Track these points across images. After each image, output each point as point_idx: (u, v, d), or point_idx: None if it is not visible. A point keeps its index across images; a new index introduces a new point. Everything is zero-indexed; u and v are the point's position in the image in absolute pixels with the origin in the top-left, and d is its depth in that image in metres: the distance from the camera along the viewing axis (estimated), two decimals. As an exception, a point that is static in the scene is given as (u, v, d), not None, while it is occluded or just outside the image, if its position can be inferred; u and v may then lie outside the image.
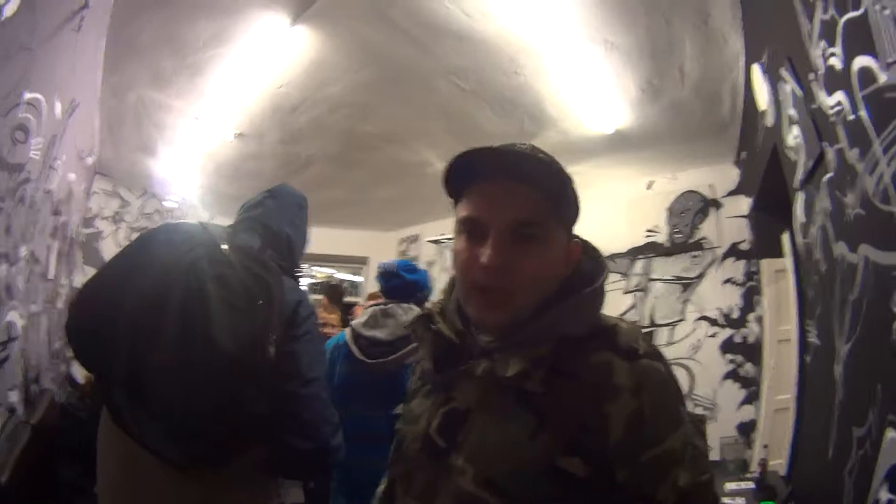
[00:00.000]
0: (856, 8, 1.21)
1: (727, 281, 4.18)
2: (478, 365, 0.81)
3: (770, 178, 2.59)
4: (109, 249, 5.20)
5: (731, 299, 4.13)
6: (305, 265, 6.91)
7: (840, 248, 1.53)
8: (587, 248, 0.90)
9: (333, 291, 4.93)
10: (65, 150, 2.63)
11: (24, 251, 2.05)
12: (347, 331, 2.18)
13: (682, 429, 0.73)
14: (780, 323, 3.07)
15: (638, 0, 2.84)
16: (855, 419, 1.27)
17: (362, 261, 7.67)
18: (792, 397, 2.50)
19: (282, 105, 4.16)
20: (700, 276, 4.35)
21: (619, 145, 4.18)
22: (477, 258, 0.81)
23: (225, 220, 1.62)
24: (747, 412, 3.77)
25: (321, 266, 7.70)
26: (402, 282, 2.24)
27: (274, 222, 1.57)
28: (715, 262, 4.29)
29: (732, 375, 3.99)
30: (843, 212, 1.47)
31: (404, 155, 5.00)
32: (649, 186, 4.78)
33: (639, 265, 4.70)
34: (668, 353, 0.84)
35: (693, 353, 4.18)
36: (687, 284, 4.41)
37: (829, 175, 1.61)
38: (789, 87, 1.94)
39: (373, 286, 6.44)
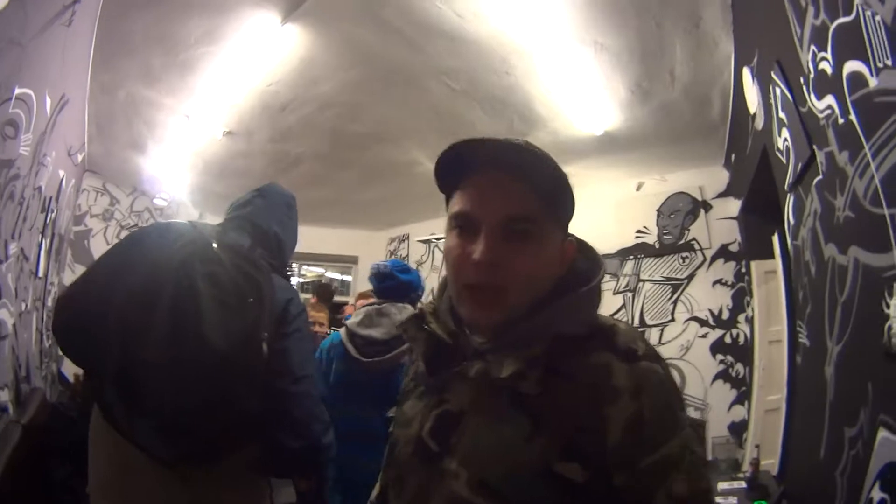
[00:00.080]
0: (847, 13, 1.22)
1: (717, 282, 4.21)
2: (471, 366, 0.79)
3: (760, 180, 2.61)
4: (99, 247, 5.16)
5: (722, 300, 4.15)
6: (295, 264, 6.91)
7: (830, 250, 1.54)
8: (582, 247, 0.88)
9: (323, 291, 4.95)
10: (54, 147, 2.60)
11: (13, 248, 2.02)
12: (342, 330, 2.20)
13: (680, 434, 0.71)
14: (770, 324, 3.10)
15: (629, 2, 2.85)
16: (846, 419, 1.28)
17: (352, 260, 7.65)
18: (783, 398, 2.52)
19: (271, 103, 4.13)
20: (690, 278, 4.38)
21: (609, 147, 4.20)
22: (469, 255, 0.79)
23: (214, 219, 1.63)
24: (738, 412, 3.79)
25: (311, 265, 7.68)
26: (396, 282, 2.26)
27: (263, 221, 1.57)
28: (705, 263, 4.32)
29: (723, 376, 4.01)
30: (832, 214, 1.49)
31: (394, 154, 4.99)
32: (639, 188, 4.80)
33: (628, 266, 4.72)
34: (659, 353, 0.83)
35: (683, 353, 4.20)
36: (677, 285, 4.44)
37: (818, 178, 1.62)
38: (779, 90, 1.96)
39: (363, 285, 6.46)
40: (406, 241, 7.19)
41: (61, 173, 3.01)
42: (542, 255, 0.80)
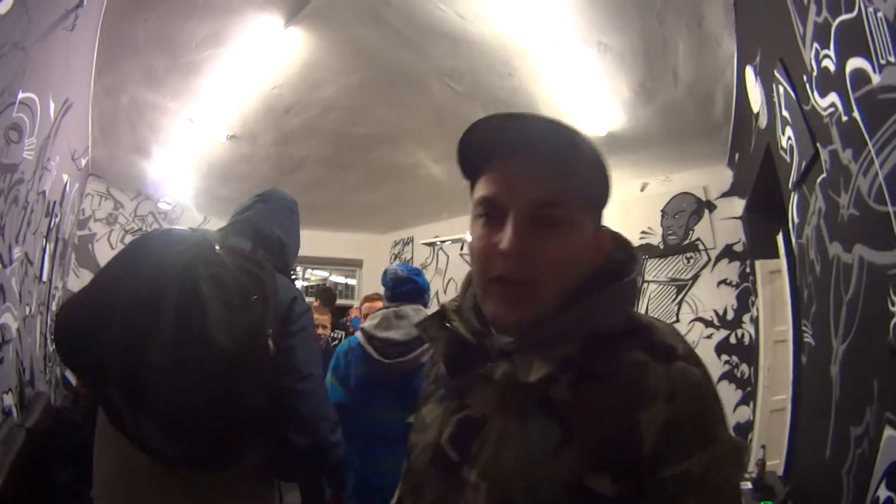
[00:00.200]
0: (849, 10, 1.21)
1: (722, 282, 4.19)
2: (496, 368, 0.72)
3: (763, 179, 2.61)
4: (103, 251, 5.20)
5: (726, 300, 4.14)
6: (299, 267, 6.92)
7: (835, 249, 1.54)
8: (617, 238, 0.81)
9: (326, 294, 4.98)
10: (58, 151, 2.61)
11: (17, 252, 2.03)
12: (359, 334, 2.20)
13: (711, 450, 0.63)
14: (775, 324, 3.09)
15: (632, 2, 2.85)
16: (852, 418, 1.27)
17: (356, 263, 7.66)
18: (788, 398, 2.51)
19: (275, 107, 4.16)
20: (694, 278, 4.36)
21: (613, 147, 4.19)
22: (495, 245, 0.72)
23: (218, 222, 1.65)
24: (743, 413, 3.77)
25: (315, 268, 7.69)
26: (413, 286, 2.30)
27: (265, 225, 1.57)
28: (709, 263, 4.31)
29: (728, 376, 3.99)
30: (837, 212, 1.48)
31: (398, 157, 5.01)
32: (643, 188, 4.79)
33: (633, 267, 4.69)
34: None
35: (688, 354, 4.17)
36: (681, 286, 4.42)
37: (822, 176, 1.62)
38: (782, 88, 1.95)
39: (367, 289, 6.46)
40: (410, 245, 7.19)
41: (65, 177, 3.03)
42: (574, 245, 0.73)
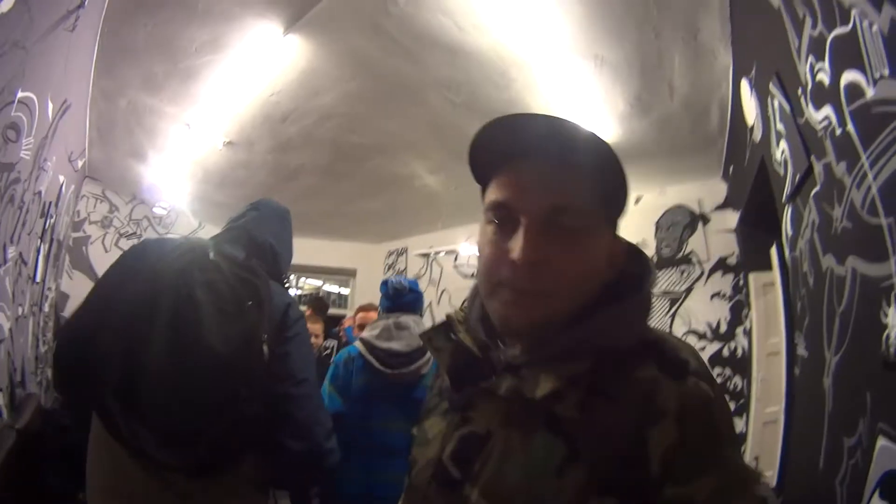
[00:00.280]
0: (844, 24, 1.23)
1: (715, 295, 4.21)
2: (501, 382, 0.69)
3: (758, 192, 2.62)
4: (97, 254, 5.18)
5: (720, 313, 4.15)
6: (293, 276, 6.91)
7: (828, 261, 1.54)
8: (630, 249, 0.77)
9: (318, 303, 4.96)
10: (55, 152, 2.61)
11: (11, 252, 2.02)
12: (359, 344, 2.20)
13: (718, 474, 0.59)
14: (768, 336, 3.10)
15: (628, 15, 2.87)
16: (845, 429, 1.28)
17: (350, 273, 7.65)
18: (781, 409, 2.51)
19: (272, 114, 4.16)
20: (688, 291, 4.38)
21: (608, 159, 4.21)
22: (506, 253, 0.69)
23: (213, 228, 1.67)
24: (736, 425, 3.76)
25: (309, 277, 7.67)
26: (414, 296, 2.31)
27: (258, 234, 1.58)
28: (703, 276, 4.32)
29: (721, 389, 3.98)
30: (830, 225, 1.49)
31: (393, 167, 5.01)
32: (637, 201, 4.81)
33: (627, 279, 4.70)
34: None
35: (681, 366, 4.17)
36: (675, 299, 4.44)
37: (816, 189, 1.63)
38: (777, 101, 1.97)
39: (361, 298, 6.45)
40: (404, 255, 7.20)
41: (61, 179, 3.02)
42: (589, 255, 0.70)
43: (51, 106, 2.26)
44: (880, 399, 1.11)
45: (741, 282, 3.96)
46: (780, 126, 2.00)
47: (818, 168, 1.59)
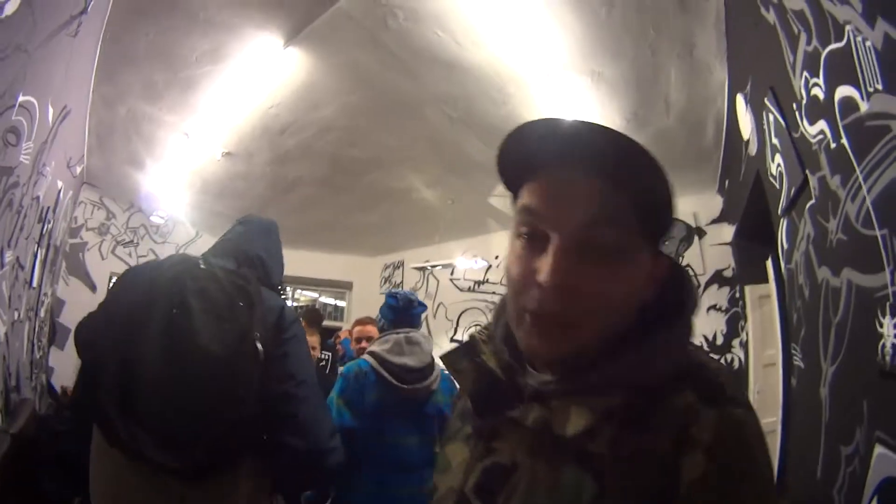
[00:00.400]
0: (838, 40, 1.25)
1: (711, 307, 4.22)
2: (528, 412, 0.64)
3: (753, 205, 2.64)
4: (94, 261, 5.17)
5: (716, 325, 4.16)
6: (289, 288, 6.90)
7: (824, 273, 1.55)
8: (673, 267, 0.70)
9: (312, 315, 4.93)
10: (54, 157, 2.61)
11: (9, 256, 2.02)
12: (369, 358, 2.18)
13: None
14: (764, 348, 3.11)
15: (625, 32, 2.91)
16: (842, 438, 1.28)
17: (346, 286, 7.64)
18: (778, 420, 2.51)
19: (271, 126, 4.18)
20: (684, 304, 4.38)
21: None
22: (533, 274, 0.62)
23: (210, 239, 1.71)
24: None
25: (305, 289, 7.66)
26: (422, 310, 2.33)
27: (247, 247, 1.62)
28: (699, 289, 4.33)
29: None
30: (826, 237, 1.50)
31: (390, 181, 5.03)
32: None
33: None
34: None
35: (677, 380, 4.17)
36: (671, 312, 4.44)
37: (811, 202, 1.64)
38: (772, 116, 1.99)
39: (357, 311, 6.44)
40: (401, 268, 7.20)
41: (60, 184, 3.02)
42: (626, 279, 0.63)
43: (51, 111, 2.26)
44: (877, 407, 1.11)
45: (737, 294, 3.98)
46: (775, 140, 2.02)
47: (813, 181, 1.61)
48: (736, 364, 3.95)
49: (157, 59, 3.33)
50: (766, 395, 3.00)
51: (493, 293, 6.12)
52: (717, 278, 4.24)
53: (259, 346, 1.33)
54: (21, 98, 1.75)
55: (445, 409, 2.20)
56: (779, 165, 2.02)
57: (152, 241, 5.85)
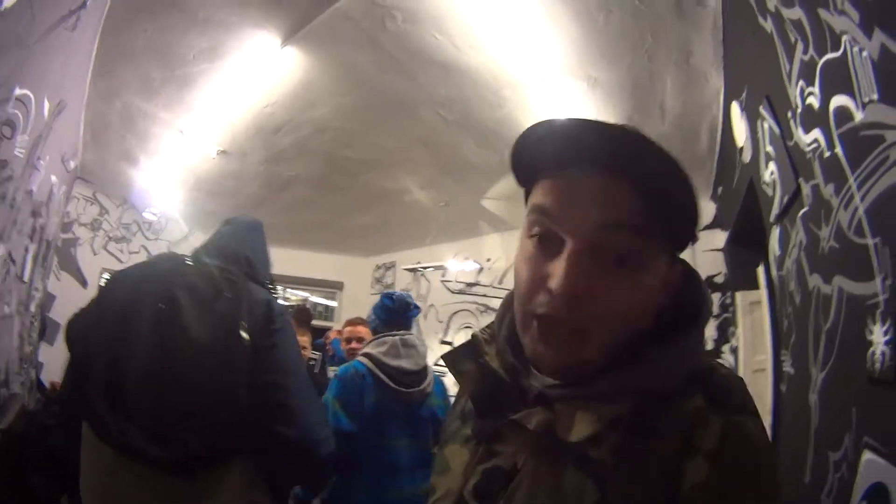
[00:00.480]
0: (835, 50, 1.26)
1: (702, 313, 4.22)
2: (532, 415, 0.62)
3: (746, 212, 2.66)
4: (86, 257, 5.14)
5: (706, 332, 4.16)
6: (279, 287, 6.90)
7: (815, 280, 1.56)
8: (687, 272, 0.68)
9: (301, 314, 4.91)
10: (48, 152, 2.59)
11: (1, 250, 2.00)
12: (365, 360, 2.18)
13: None
14: (755, 353, 3.12)
15: (622, 37, 2.93)
16: (831, 443, 1.29)
17: (337, 286, 7.63)
18: (767, 425, 2.53)
19: (266, 125, 4.17)
20: (675, 310, 4.39)
21: (599, 179, 4.25)
22: (544, 278, 0.60)
23: (203, 237, 1.77)
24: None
25: (296, 289, 7.64)
26: (416, 312, 2.34)
27: (233, 246, 1.64)
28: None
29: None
30: (817, 245, 1.51)
31: (384, 182, 5.04)
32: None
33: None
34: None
35: (667, 384, 4.18)
36: (662, 317, 4.45)
37: (804, 210, 1.65)
38: (767, 124, 2.00)
39: (348, 311, 6.43)
40: (392, 269, 7.20)
41: (53, 179, 3.00)
42: (642, 287, 0.61)
43: (47, 105, 2.25)
44: (866, 414, 1.12)
45: (728, 300, 4.00)
46: (769, 148, 2.04)
47: (806, 189, 1.62)
48: (726, 370, 3.96)
49: (155, 56, 3.32)
50: (756, 400, 2.99)
51: (485, 295, 6.12)
52: (709, 284, 4.24)
53: (246, 335, 1.35)
54: (17, 91, 1.74)
55: (439, 412, 2.21)
56: (772, 173, 2.03)
57: (144, 238, 5.83)
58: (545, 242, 0.62)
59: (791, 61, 1.62)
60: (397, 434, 2.10)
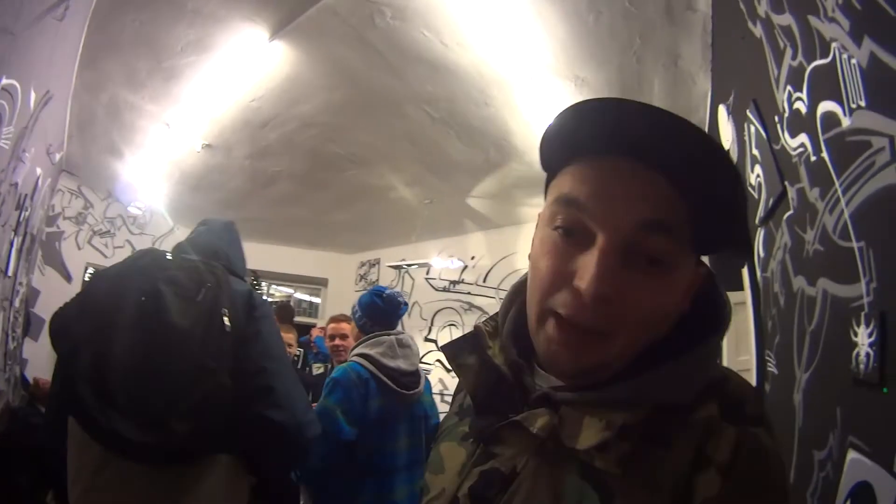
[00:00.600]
0: (824, 56, 1.27)
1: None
2: (536, 417, 0.59)
3: (731, 215, 2.68)
4: (70, 251, 5.09)
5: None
6: (263, 283, 6.86)
7: (799, 282, 1.58)
8: (709, 277, 0.64)
9: (285, 311, 4.90)
10: (34, 144, 2.55)
11: (-16, 243, 1.97)
12: (364, 362, 2.12)
13: None
14: (738, 353, 3.15)
15: (611, 39, 2.95)
16: (815, 443, 1.31)
17: (322, 282, 7.60)
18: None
19: (252, 120, 4.15)
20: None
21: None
22: (568, 276, 0.56)
23: (186, 231, 1.81)
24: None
25: (280, 285, 7.60)
26: (405, 309, 2.33)
27: (212, 243, 1.69)
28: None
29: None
30: (802, 248, 1.53)
31: (369, 178, 5.04)
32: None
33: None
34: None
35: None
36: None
37: (789, 213, 1.67)
38: (753, 127, 2.02)
39: (332, 308, 6.41)
40: (377, 266, 7.20)
41: (38, 171, 2.95)
42: (669, 291, 0.57)
43: (33, 96, 2.21)
44: (851, 414, 1.14)
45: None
46: (755, 151, 2.06)
47: (792, 193, 1.64)
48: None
49: (142, 48, 3.29)
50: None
51: (469, 293, 6.14)
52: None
53: (227, 321, 1.39)
54: (4, 81, 1.71)
55: (429, 409, 2.21)
56: (758, 176, 2.05)
57: (129, 232, 5.77)
58: (570, 238, 0.57)
59: (779, 66, 1.64)
60: (399, 436, 2.09)
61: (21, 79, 1.91)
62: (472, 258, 6.25)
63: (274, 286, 7.57)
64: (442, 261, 6.21)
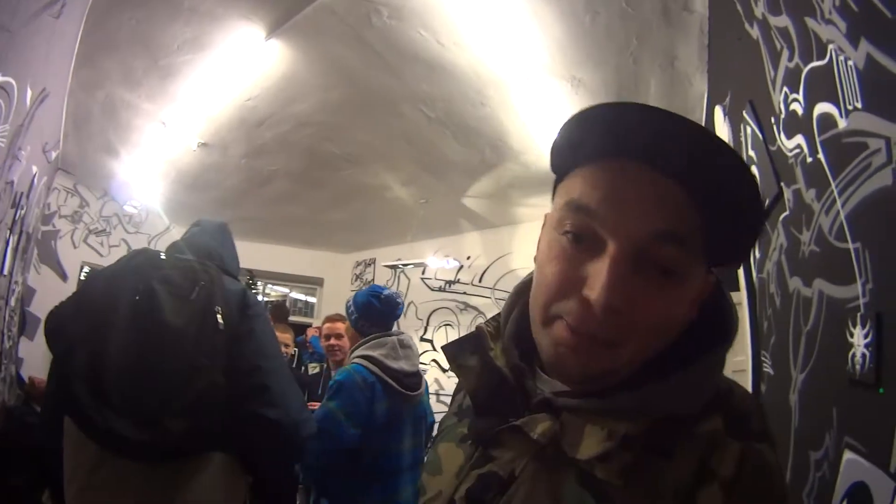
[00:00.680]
0: (821, 57, 1.28)
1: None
2: (536, 423, 0.58)
3: (727, 215, 2.68)
4: (66, 250, 5.07)
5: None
6: (259, 282, 6.85)
7: (795, 283, 1.59)
8: (718, 286, 0.62)
9: (277, 311, 4.89)
10: (30, 141, 2.54)
11: (-20, 242, 1.96)
12: (368, 364, 2.09)
13: None
14: (734, 354, 3.13)
15: (608, 40, 2.95)
16: (811, 443, 1.32)
17: (317, 282, 7.60)
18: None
19: (248, 119, 4.15)
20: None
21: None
22: (578, 283, 0.54)
23: (181, 230, 1.81)
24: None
25: (276, 284, 7.60)
26: (402, 309, 2.32)
27: (205, 243, 1.69)
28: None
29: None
30: (798, 248, 1.53)
31: (365, 178, 5.04)
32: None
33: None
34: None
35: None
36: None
37: (785, 214, 1.68)
38: (750, 128, 2.03)
39: (328, 307, 6.40)
40: (372, 266, 7.20)
41: (34, 169, 2.94)
42: (678, 300, 0.55)
43: (29, 93, 2.20)
44: (846, 415, 1.15)
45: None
46: (751, 152, 2.06)
47: (788, 194, 1.64)
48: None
49: (139, 46, 3.28)
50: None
51: (464, 293, 6.14)
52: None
53: (220, 319, 1.39)
54: (0, 78, 1.70)
55: (427, 409, 2.21)
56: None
57: (125, 231, 5.76)
58: (580, 244, 0.56)
59: (776, 68, 1.64)
60: (403, 437, 2.09)
61: (17, 76, 1.90)
62: (468, 258, 6.25)
63: (270, 285, 7.56)
64: (438, 261, 6.21)
